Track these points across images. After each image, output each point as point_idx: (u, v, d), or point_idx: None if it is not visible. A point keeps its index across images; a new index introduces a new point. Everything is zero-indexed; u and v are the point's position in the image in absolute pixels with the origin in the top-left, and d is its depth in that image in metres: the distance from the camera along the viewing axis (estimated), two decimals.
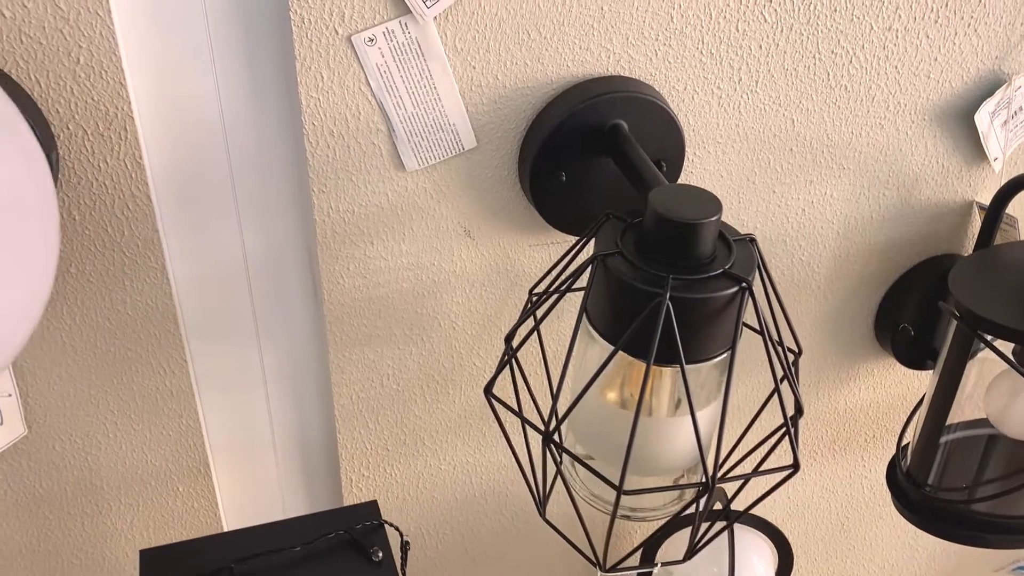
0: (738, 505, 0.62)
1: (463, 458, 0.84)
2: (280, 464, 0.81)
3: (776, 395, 0.57)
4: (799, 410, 0.60)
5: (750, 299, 0.57)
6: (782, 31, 0.69)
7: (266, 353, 0.74)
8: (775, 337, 0.58)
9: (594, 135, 0.66)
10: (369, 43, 0.61)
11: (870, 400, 0.94)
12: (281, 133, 0.65)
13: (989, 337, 0.70)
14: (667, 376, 0.61)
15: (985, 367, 0.80)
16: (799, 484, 0.99)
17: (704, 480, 0.57)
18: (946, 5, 0.71)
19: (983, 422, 0.85)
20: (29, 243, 0.44)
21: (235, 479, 0.79)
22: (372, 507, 0.64)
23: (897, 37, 0.72)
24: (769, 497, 0.90)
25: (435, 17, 0.61)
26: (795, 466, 0.59)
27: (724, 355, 0.58)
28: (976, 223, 0.84)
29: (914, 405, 0.84)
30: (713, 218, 0.55)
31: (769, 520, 0.90)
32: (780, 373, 0.59)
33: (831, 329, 0.87)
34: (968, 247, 0.85)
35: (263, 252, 0.69)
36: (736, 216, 0.77)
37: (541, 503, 0.70)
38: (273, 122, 0.64)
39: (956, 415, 0.83)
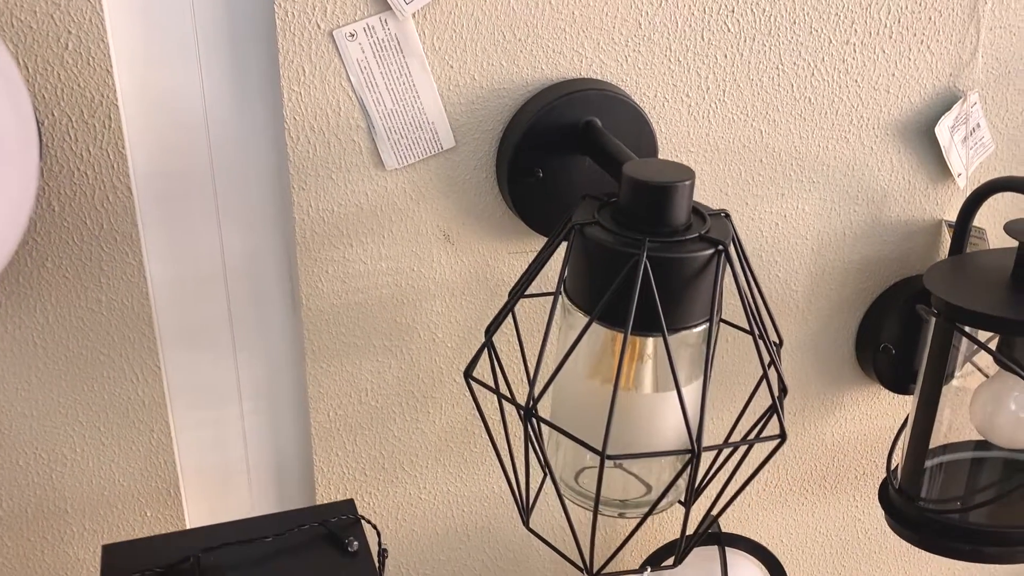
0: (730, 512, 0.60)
1: (444, 487, 0.81)
2: (254, 490, 0.78)
3: (759, 357, 0.56)
4: (784, 389, 0.60)
5: (728, 265, 0.57)
6: (745, 41, 0.72)
7: (242, 363, 0.72)
8: (753, 303, 0.58)
9: (569, 132, 0.68)
10: (350, 38, 0.63)
11: (857, 432, 0.93)
12: (263, 129, 0.66)
13: (968, 329, 0.70)
14: (648, 350, 0.61)
15: (968, 383, 0.80)
16: (792, 525, 0.96)
17: (691, 447, 0.55)
18: (898, 21, 0.75)
19: (967, 444, 0.84)
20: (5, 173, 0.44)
21: (205, 506, 0.76)
22: (348, 505, 0.62)
23: (855, 51, 0.75)
24: (761, 538, 0.88)
25: (414, 14, 0.63)
26: (782, 435, 0.58)
27: (703, 325, 0.58)
28: (946, 242, 0.86)
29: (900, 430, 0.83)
30: (687, 182, 0.56)
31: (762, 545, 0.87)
32: (765, 356, 0.58)
33: (813, 353, 0.87)
34: None
35: (242, 254, 0.69)
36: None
37: (525, 510, 0.67)
38: (256, 118, 0.66)
39: (939, 437, 0.83)
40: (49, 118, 0.60)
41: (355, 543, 0.58)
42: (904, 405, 0.93)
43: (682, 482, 0.65)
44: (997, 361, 0.73)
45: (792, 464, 0.93)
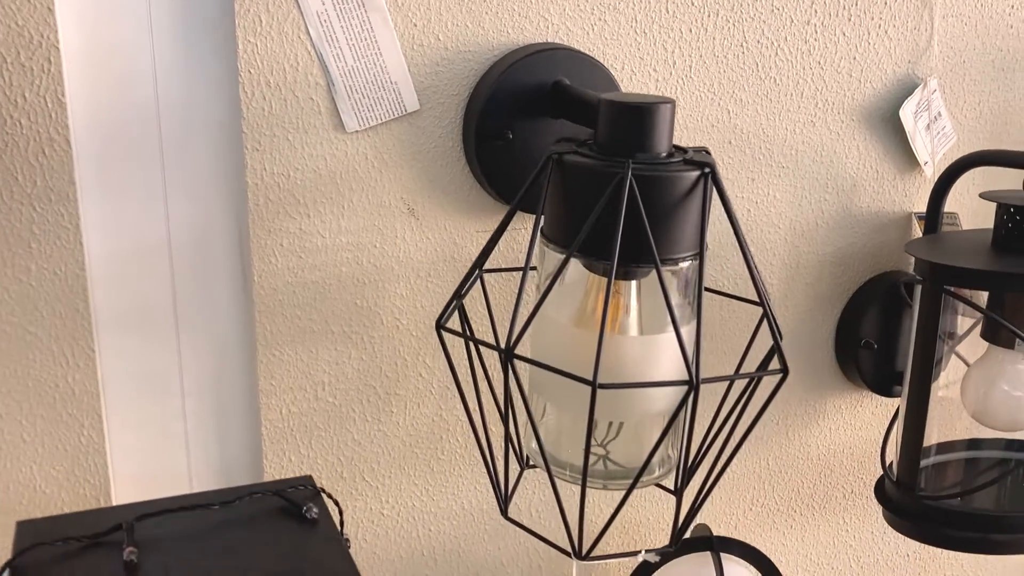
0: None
1: (408, 501, 0.74)
2: None
3: (751, 279, 0.53)
4: (780, 332, 0.56)
5: (715, 189, 0.54)
6: (709, 16, 0.72)
7: (185, 349, 0.66)
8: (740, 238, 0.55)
9: (538, 93, 0.65)
10: None
11: (844, 444, 0.89)
12: (216, 86, 0.62)
13: (954, 289, 0.68)
14: (633, 293, 0.56)
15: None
16: (781, 550, 0.89)
17: (690, 379, 0.51)
18: (856, 4, 0.76)
19: (961, 443, 0.80)
20: None
21: None
22: (306, 479, 0.55)
23: (816, 32, 0.76)
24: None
25: None
26: (784, 369, 0.54)
27: (691, 260, 0.54)
28: (917, 235, 0.84)
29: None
30: (668, 104, 0.54)
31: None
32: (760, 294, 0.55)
33: (792, 352, 0.83)
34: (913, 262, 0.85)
35: (189, 224, 0.64)
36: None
37: (504, 498, 0.61)
38: (208, 72, 0.62)
39: (931, 438, 0.79)
40: None
41: (314, 510, 0.50)
42: (889, 411, 0.89)
43: (672, 452, 0.60)
44: (988, 320, 0.70)
45: (779, 480, 0.87)
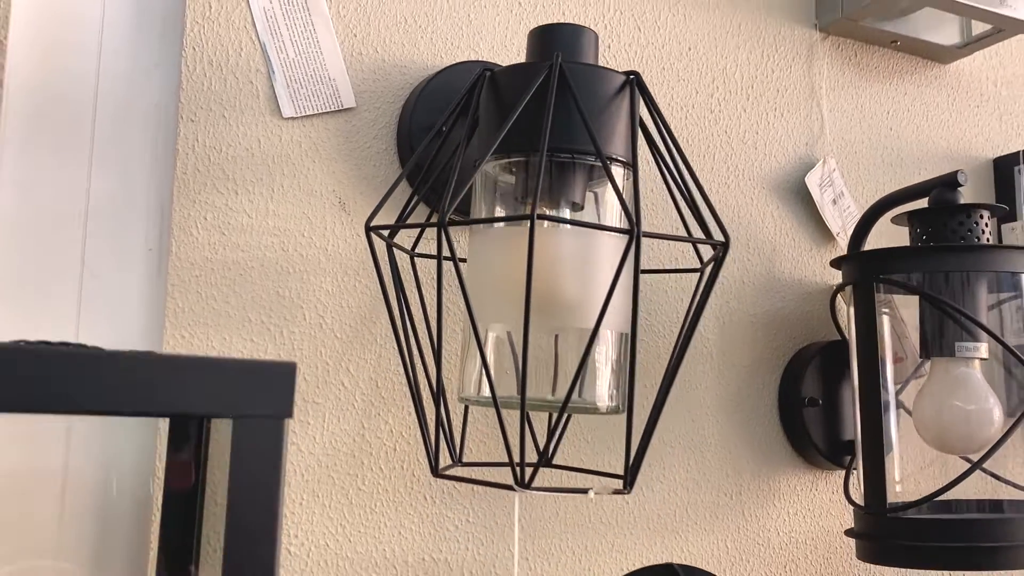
0: None
1: (320, 540, 0.63)
2: (65, 531, 0.58)
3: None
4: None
5: (644, 99, 0.57)
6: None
7: (84, 326, 0.60)
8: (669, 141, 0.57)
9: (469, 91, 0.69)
10: None
11: (806, 533, 0.81)
12: (157, 64, 0.64)
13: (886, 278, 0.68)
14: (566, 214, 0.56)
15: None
16: None
17: (630, 228, 0.49)
18: (752, 87, 0.85)
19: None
20: None
21: None
22: None
23: (719, 105, 0.83)
24: None
25: None
26: (726, 240, 0.52)
27: (624, 167, 0.55)
28: (840, 306, 0.85)
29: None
30: (592, 31, 0.58)
31: None
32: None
33: (737, 415, 0.79)
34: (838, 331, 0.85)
35: (109, 192, 0.62)
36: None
37: (433, 456, 0.54)
38: (152, 53, 0.64)
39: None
40: None
41: None
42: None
43: (615, 392, 0.55)
44: (922, 331, 0.69)
45: (739, 567, 0.78)
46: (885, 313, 0.75)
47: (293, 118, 0.66)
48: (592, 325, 0.51)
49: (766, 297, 0.83)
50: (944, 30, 0.93)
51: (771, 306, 0.83)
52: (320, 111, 0.67)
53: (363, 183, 0.68)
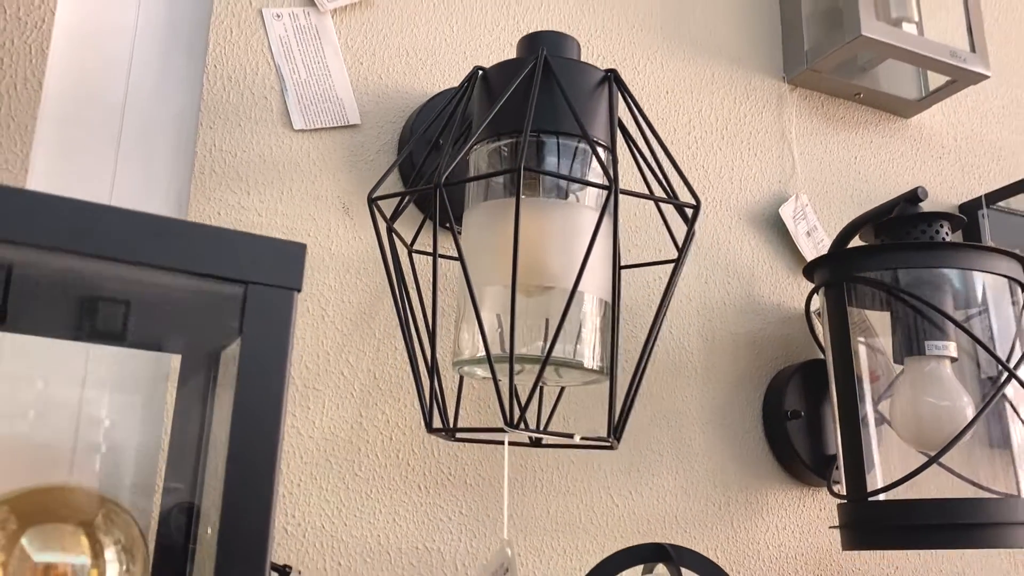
0: None
1: (316, 521, 0.65)
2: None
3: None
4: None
5: (622, 94, 0.63)
6: None
7: None
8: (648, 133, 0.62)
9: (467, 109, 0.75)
10: (276, 18, 0.74)
11: (794, 547, 0.82)
12: (184, 81, 0.71)
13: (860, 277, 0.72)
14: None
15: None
16: None
17: (608, 183, 0.54)
18: (726, 128, 0.92)
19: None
20: None
21: None
22: None
23: (696, 141, 0.90)
24: None
25: (332, 11, 0.76)
26: (696, 202, 0.57)
27: (604, 151, 0.61)
28: (819, 329, 0.89)
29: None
30: (575, 39, 0.65)
31: None
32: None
33: (721, 430, 0.82)
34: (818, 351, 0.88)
35: (132, 188, 0.67)
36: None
37: (427, 414, 0.57)
38: (178, 69, 0.71)
39: None
40: None
41: None
42: (832, 506, 0.84)
43: (601, 353, 0.58)
44: (893, 295, 0.73)
45: None
46: (860, 340, 0.79)
47: (303, 130, 0.72)
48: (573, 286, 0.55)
49: (748, 319, 0.87)
50: (904, 84, 1.01)
51: (752, 327, 0.87)
52: (328, 125, 0.73)
53: (365, 191, 0.73)
